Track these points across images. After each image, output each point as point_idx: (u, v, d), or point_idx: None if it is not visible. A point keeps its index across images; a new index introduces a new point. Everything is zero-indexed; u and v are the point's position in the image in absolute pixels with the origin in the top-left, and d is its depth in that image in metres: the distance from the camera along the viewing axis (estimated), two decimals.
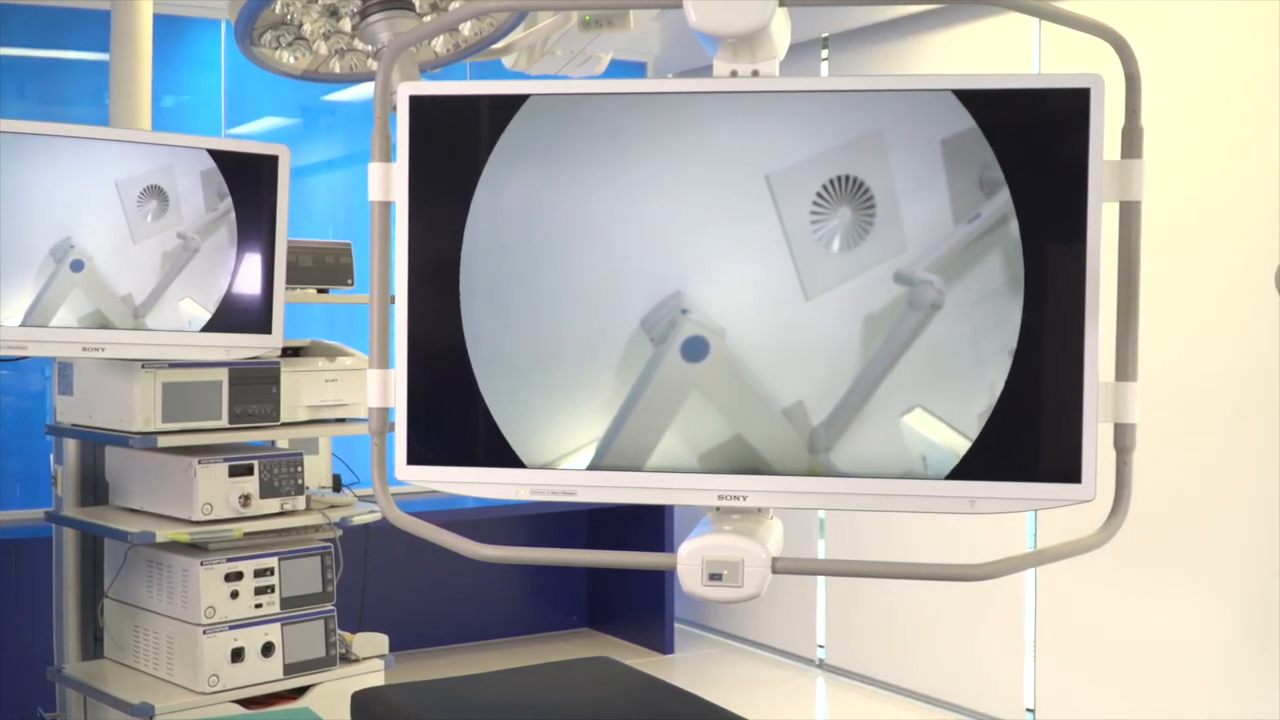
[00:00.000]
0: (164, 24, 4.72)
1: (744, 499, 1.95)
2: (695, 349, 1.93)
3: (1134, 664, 4.61)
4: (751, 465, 1.94)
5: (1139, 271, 1.92)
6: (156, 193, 3.61)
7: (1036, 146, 1.89)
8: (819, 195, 1.90)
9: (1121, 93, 1.90)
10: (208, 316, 3.69)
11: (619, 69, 6.33)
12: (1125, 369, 1.91)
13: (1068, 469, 1.88)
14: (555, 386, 1.97)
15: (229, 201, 3.68)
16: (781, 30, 1.96)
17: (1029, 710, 5.02)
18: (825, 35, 5.88)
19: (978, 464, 1.89)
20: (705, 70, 1.97)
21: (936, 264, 1.88)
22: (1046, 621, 4.96)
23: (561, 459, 1.97)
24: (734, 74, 1.94)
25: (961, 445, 1.88)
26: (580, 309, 1.96)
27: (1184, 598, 4.45)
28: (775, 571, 1.90)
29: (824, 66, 5.92)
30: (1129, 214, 1.90)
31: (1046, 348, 1.88)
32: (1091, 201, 1.86)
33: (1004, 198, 1.87)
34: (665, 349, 1.94)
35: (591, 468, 1.96)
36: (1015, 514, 4.70)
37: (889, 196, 1.89)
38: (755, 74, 1.94)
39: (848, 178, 1.90)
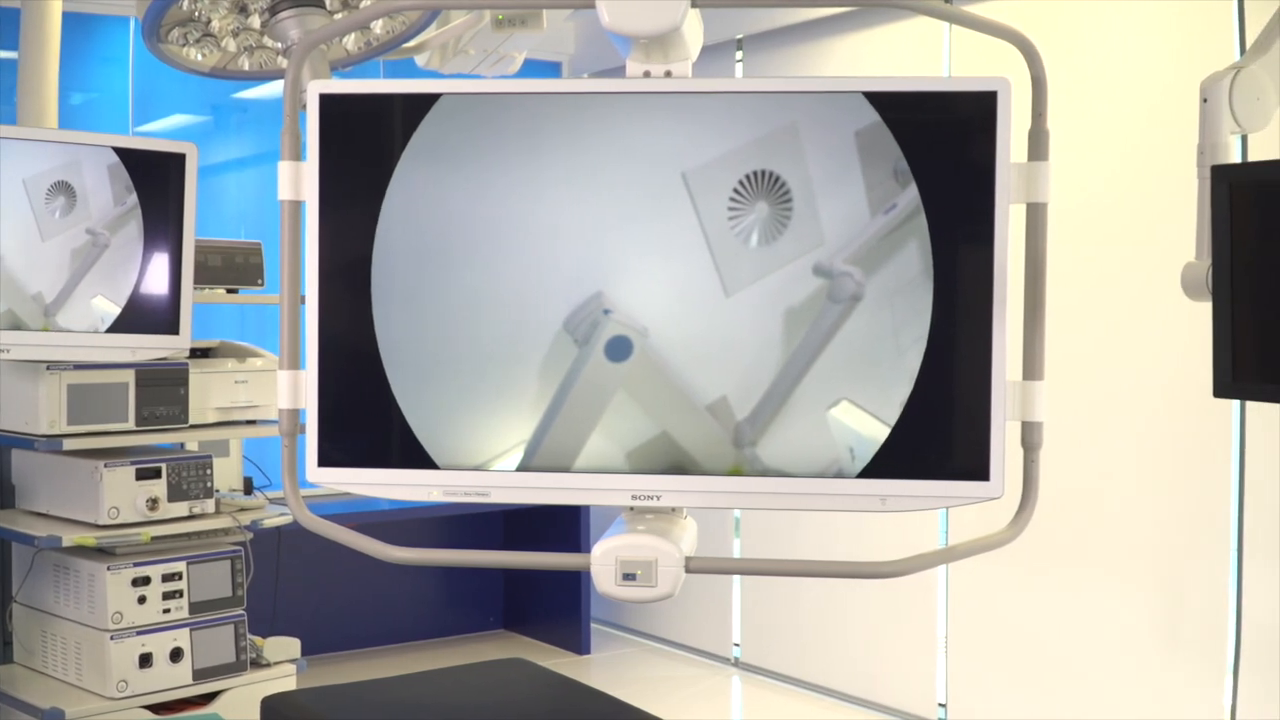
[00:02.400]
0: (73, 21, 4.65)
1: (658, 499, 1.95)
2: (618, 349, 1.93)
3: (1045, 660, 4.68)
4: (678, 461, 1.94)
5: (1045, 272, 1.94)
6: (64, 189, 3.56)
7: (945, 149, 1.91)
8: (736, 191, 1.91)
9: (1029, 96, 1.92)
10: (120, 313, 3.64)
11: (534, 69, 6.32)
12: (1032, 368, 1.94)
13: (976, 467, 1.90)
14: (476, 389, 1.96)
15: (135, 197, 3.63)
16: (694, 31, 1.96)
17: (941, 705, 5.07)
18: (740, 37, 5.91)
19: (889, 462, 1.91)
20: (621, 70, 1.97)
21: (855, 255, 1.90)
22: (958, 618, 5.01)
23: (490, 461, 1.96)
24: (647, 74, 1.95)
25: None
26: (499, 311, 1.95)
27: (1094, 594, 4.52)
28: (689, 571, 1.90)
29: (739, 68, 5.95)
30: (1035, 216, 1.93)
31: (955, 347, 1.90)
32: (999, 203, 1.88)
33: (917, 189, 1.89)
34: (589, 350, 1.94)
35: (520, 469, 1.96)
36: (927, 512, 4.75)
37: (806, 190, 1.90)
38: (668, 74, 1.94)
39: (764, 172, 1.91)
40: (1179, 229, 2.51)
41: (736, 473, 1.93)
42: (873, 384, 1.90)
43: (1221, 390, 2.22)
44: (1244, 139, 3.80)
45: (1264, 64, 2.48)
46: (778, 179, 1.91)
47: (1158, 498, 4.32)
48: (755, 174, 1.91)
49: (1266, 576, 4.03)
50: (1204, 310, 2.32)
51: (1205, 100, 2.46)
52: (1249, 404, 4.02)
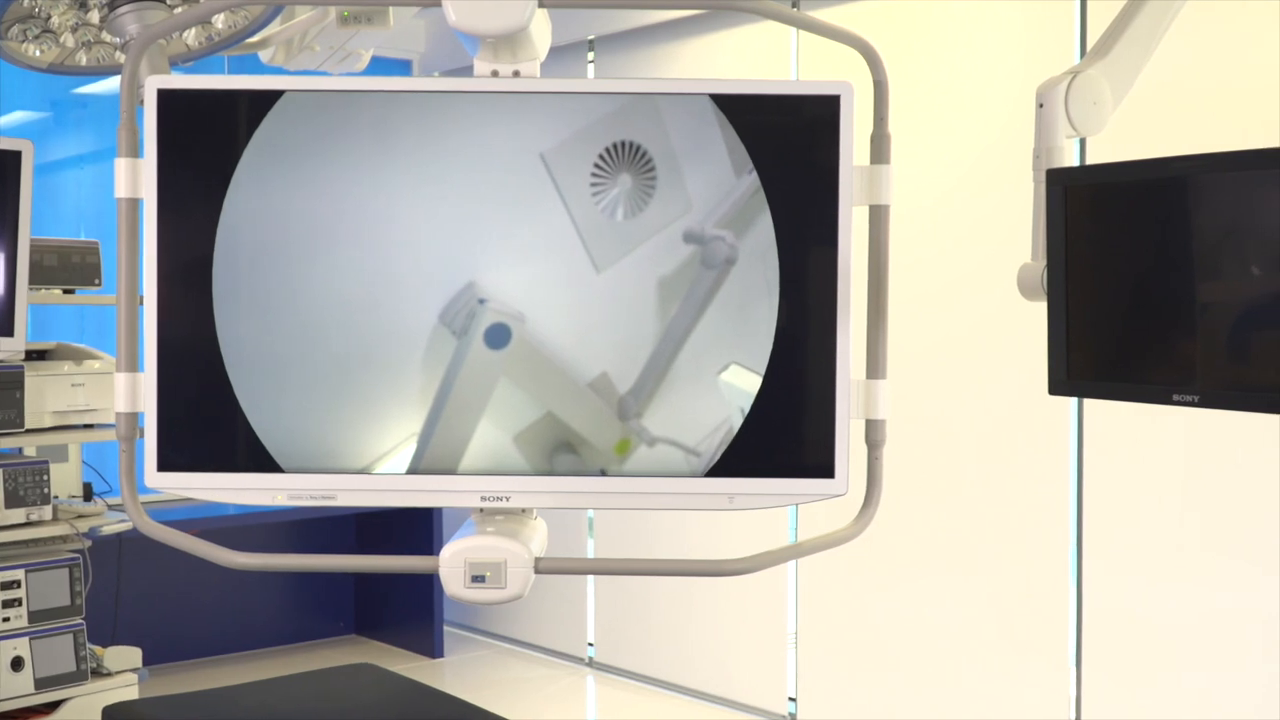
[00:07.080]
0: None
1: (507, 500, 1.94)
2: (497, 336, 1.92)
3: (893, 654, 4.76)
4: (566, 440, 1.93)
5: (888, 273, 1.97)
6: None
7: (790, 151, 1.93)
8: (597, 166, 1.91)
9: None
10: None
11: (385, 66, 6.26)
12: (875, 367, 1.97)
13: (822, 464, 1.92)
14: (344, 390, 1.92)
15: None
16: (542, 31, 1.96)
17: (791, 699, 5.14)
18: (591, 38, 5.92)
19: (735, 461, 1.92)
20: (471, 69, 1.96)
21: (725, 218, 1.90)
22: (807, 614, 5.08)
23: (375, 462, 1.93)
24: (495, 74, 1.94)
25: None
26: (368, 311, 1.92)
27: (939, 590, 4.61)
28: (538, 572, 1.90)
29: (590, 69, 5.96)
30: (878, 217, 1.96)
31: (801, 345, 1.92)
32: (842, 205, 1.90)
33: None
34: (468, 340, 1.92)
35: (411, 470, 1.93)
36: (778, 510, 4.80)
37: (668, 156, 1.90)
38: (516, 74, 1.93)
39: (624, 144, 1.91)
40: (1019, 230, 2.57)
41: (624, 446, 1.93)
42: (756, 345, 1.92)
43: (1056, 388, 2.27)
44: (1082, 141, 3.91)
45: (1102, 68, 2.54)
46: (638, 148, 1.91)
47: (999, 495, 4.42)
48: (615, 146, 1.91)
49: (1105, 571, 4.15)
50: (1041, 310, 2.38)
51: (1041, 105, 2.51)
52: (1086, 402, 4.13)
